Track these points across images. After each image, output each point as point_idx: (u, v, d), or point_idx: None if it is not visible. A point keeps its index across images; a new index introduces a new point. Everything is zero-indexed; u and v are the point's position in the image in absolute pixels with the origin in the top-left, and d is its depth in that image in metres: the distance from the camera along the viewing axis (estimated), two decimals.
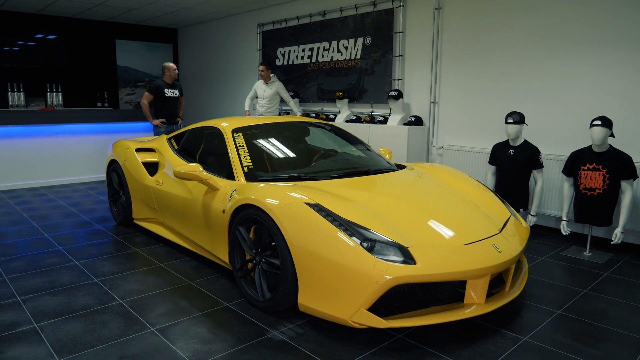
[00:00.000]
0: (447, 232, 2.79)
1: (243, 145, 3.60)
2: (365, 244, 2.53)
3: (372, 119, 6.25)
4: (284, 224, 2.72)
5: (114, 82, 9.86)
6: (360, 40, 6.48)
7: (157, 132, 6.73)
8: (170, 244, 4.29)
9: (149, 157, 4.51)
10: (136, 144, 4.74)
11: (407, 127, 5.66)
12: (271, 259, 2.87)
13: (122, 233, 4.67)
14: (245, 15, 8.46)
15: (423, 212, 2.95)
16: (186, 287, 3.35)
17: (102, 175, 7.59)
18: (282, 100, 7.03)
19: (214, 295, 3.21)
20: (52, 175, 7.17)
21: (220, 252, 3.37)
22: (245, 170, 3.40)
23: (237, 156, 3.51)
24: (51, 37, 9.00)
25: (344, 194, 3.00)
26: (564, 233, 4.35)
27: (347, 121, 6.48)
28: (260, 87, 7.02)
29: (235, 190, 3.18)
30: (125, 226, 4.88)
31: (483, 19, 5.24)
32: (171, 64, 6.61)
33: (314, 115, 7.06)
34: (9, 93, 8.16)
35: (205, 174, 3.37)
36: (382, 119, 6.10)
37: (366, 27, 6.39)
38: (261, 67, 6.87)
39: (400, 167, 4.02)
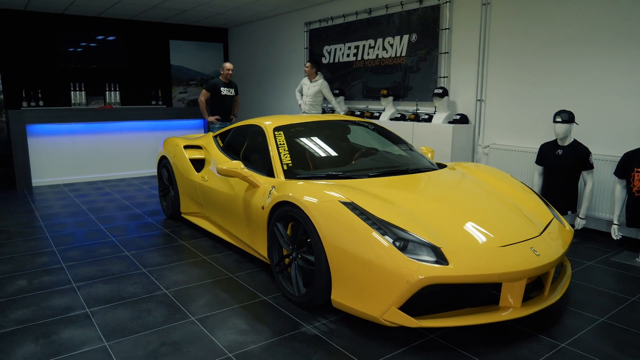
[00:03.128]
0: (483, 234, 2.76)
1: (283, 144, 3.69)
2: (397, 243, 2.55)
3: (416, 117, 6.19)
4: (319, 222, 2.78)
5: (167, 81, 10.26)
6: (405, 37, 6.43)
7: (211, 128, 6.99)
8: (215, 238, 4.46)
9: (196, 154, 4.70)
10: (184, 141, 4.94)
11: (451, 125, 5.57)
12: (307, 255, 2.94)
13: (171, 226, 4.89)
14: (292, 14, 8.58)
15: (460, 213, 2.93)
16: (227, 280, 3.48)
17: (154, 170, 7.93)
18: (326, 99, 7.10)
19: (253, 289, 3.32)
20: (109, 170, 7.58)
21: (260, 247, 3.48)
22: (285, 168, 3.49)
23: (277, 154, 3.60)
24: (110, 38, 9.48)
25: (380, 193, 3.02)
26: (615, 237, 4.17)
27: (391, 119, 6.46)
28: (305, 83, 7.12)
29: (274, 188, 3.27)
30: (173, 220, 5.11)
31: (532, 13, 5.08)
32: (226, 64, 6.84)
33: (358, 113, 7.08)
34: (72, 92, 8.67)
35: (246, 171, 3.49)
36: (426, 117, 6.04)
37: (412, 24, 6.33)
38: (307, 65, 6.97)
39: (441, 166, 3.98)
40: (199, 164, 4.67)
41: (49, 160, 7.06)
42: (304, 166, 3.60)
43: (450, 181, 3.48)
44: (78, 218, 5.20)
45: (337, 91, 7.35)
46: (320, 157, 3.83)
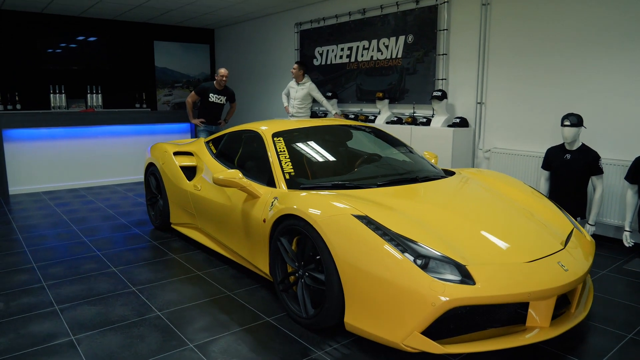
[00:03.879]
0: (508, 249, 2.55)
1: (284, 151, 3.44)
2: (419, 261, 2.33)
3: (414, 121, 6.00)
4: (329, 237, 2.54)
5: (152, 83, 9.92)
6: (401, 38, 6.24)
7: (197, 130, 6.72)
8: (208, 251, 4.19)
9: (187, 161, 4.42)
10: (174, 147, 4.66)
11: (451, 129, 5.39)
12: (315, 273, 2.70)
13: (160, 238, 4.60)
14: (282, 14, 8.33)
15: (480, 226, 2.72)
16: (225, 299, 3.22)
17: (140, 177, 7.61)
18: (316, 101, 6.88)
19: (254, 309, 3.06)
20: (91, 177, 7.23)
21: (260, 263, 3.23)
22: (287, 177, 3.24)
23: (278, 162, 3.35)
24: (92, 39, 9.11)
25: (392, 204, 2.79)
26: (626, 245, 4.02)
27: (387, 122, 6.25)
28: (292, 87, 6.91)
29: (277, 199, 3.02)
30: (162, 230, 4.82)
31: (534, 13, 4.92)
32: (221, 70, 6.54)
33: (352, 116, 6.87)
34: (51, 95, 8.29)
35: (245, 181, 3.23)
36: (424, 120, 5.85)
37: (408, 25, 6.14)
38: (294, 66, 6.74)
39: (449, 173, 3.78)
40: (189, 172, 4.39)
41: (27, 167, 6.69)
42: (307, 175, 3.36)
43: (464, 190, 3.27)
44: (59, 229, 4.87)
45: (330, 94, 7.12)
46: (324, 164, 3.59)
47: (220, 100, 6.62)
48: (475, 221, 2.77)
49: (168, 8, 8.13)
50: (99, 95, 8.75)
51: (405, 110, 6.34)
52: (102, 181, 7.33)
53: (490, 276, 2.32)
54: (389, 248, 2.38)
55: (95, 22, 9.07)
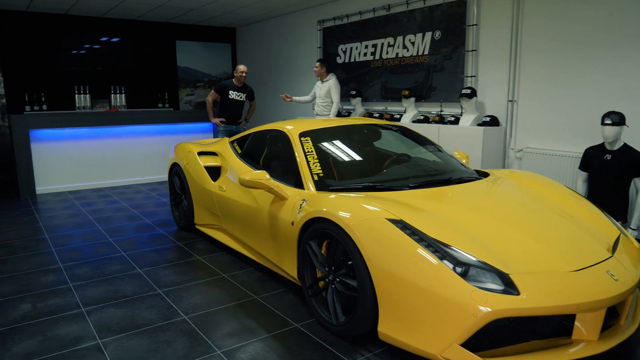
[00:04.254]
0: (552, 256, 2.40)
1: (312, 151, 3.34)
2: (458, 269, 2.20)
3: (441, 119, 5.85)
4: (362, 242, 2.44)
5: (174, 83, 9.93)
6: (428, 34, 6.08)
7: (217, 130, 6.67)
8: (233, 252, 4.12)
9: (211, 161, 4.36)
10: (198, 147, 4.60)
11: (481, 127, 5.22)
12: (347, 279, 2.60)
13: (184, 239, 4.55)
14: (304, 12, 8.24)
15: (521, 231, 2.57)
16: (251, 303, 3.14)
17: (163, 177, 7.61)
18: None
19: (282, 314, 2.98)
20: (115, 176, 7.25)
21: (288, 267, 3.14)
22: (315, 178, 3.14)
23: (306, 163, 3.25)
24: (115, 39, 9.16)
25: (427, 208, 2.67)
26: None
27: (413, 121, 6.11)
28: (317, 86, 6.79)
29: (306, 201, 2.93)
30: (187, 231, 4.77)
31: (570, 7, 4.73)
32: (240, 66, 6.46)
33: (377, 115, 6.74)
34: (76, 95, 8.36)
35: (272, 182, 3.14)
36: (452, 119, 5.69)
37: (435, 20, 5.98)
38: (316, 65, 6.62)
39: (482, 174, 3.63)
40: (214, 172, 4.33)
41: (53, 166, 6.74)
42: (335, 176, 3.26)
43: (502, 193, 3.12)
44: (85, 229, 4.86)
45: (354, 92, 7.00)
46: (352, 165, 3.48)
47: (240, 97, 6.55)
48: (516, 226, 2.63)
49: (189, 7, 8.11)
50: (123, 95, 8.79)
51: (432, 109, 6.18)
52: (125, 181, 7.34)
53: (535, 286, 2.19)
54: (426, 254, 2.26)
55: (118, 23, 9.12)
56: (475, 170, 3.73)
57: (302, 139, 3.47)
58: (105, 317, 2.94)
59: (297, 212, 2.95)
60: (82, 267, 3.82)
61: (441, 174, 3.41)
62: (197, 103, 10.20)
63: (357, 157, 3.59)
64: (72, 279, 3.56)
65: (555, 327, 2.35)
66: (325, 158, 3.36)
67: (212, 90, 6.62)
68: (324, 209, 2.70)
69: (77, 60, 8.85)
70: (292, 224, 2.97)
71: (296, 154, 3.36)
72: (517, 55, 5.22)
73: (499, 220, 2.65)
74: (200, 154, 4.50)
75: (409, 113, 6.27)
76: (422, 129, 5.59)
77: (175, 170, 4.82)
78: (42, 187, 6.68)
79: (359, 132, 3.85)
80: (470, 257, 2.26)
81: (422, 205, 2.70)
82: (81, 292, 3.31)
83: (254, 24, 9.76)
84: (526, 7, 5.09)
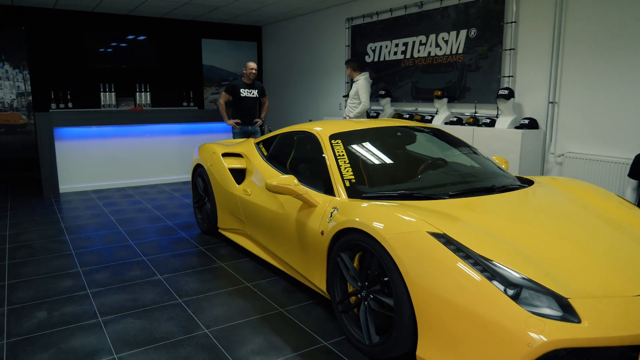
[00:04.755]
0: (612, 277, 2.14)
1: (343, 155, 3.13)
2: (510, 291, 1.96)
3: (475, 121, 5.57)
4: (400, 257, 2.21)
5: (199, 82, 9.84)
6: (463, 32, 5.80)
7: (233, 132, 6.51)
8: (257, 259, 3.93)
9: (236, 163, 4.18)
10: (223, 148, 4.43)
11: (520, 130, 4.93)
12: (382, 297, 2.37)
13: (207, 243, 4.39)
14: (333, 9, 8.03)
15: (577, 248, 2.31)
16: (277, 316, 2.94)
17: (187, 177, 7.50)
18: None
19: (309, 329, 2.77)
20: (139, 176, 7.16)
21: (316, 278, 2.93)
22: (347, 184, 2.93)
23: (337, 167, 3.04)
24: (141, 37, 9.11)
25: (471, 220, 2.43)
26: None
27: (446, 123, 5.84)
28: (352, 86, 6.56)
29: (337, 209, 2.71)
30: (210, 235, 4.61)
31: (618, 1, 4.40)
32: (249, 63, 6.28)
33: (407, 116, 6.48)
34: (101, 93, 8.32)
35: (301, 188, 2.93)
36: (487, 121, 5.40)
37: (471, 17, 5.70)
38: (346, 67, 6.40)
39: (524, 181, 3.36)
40: (238, 174, 4.15)
41: (77, 165, 6.68)
42: (368, 182, 3.04)
43: (552, 203, 2.85)
44: (106, 231, 4.75)
45: (383, 92, 6.76)
46: (386, 170, 3.25)
47: (253, 94, 6.37)
48: (571, 242, 2.36)
49: (216, 5, 7.99)
50: (147, 93, 8.72)
51: (466, 110, 5.90)
52: (149, 180, 7.25)
53: (598, 313, 1.92)
54: (472, 273, 2.02)
55: (143, 21, 9.06)
56: (517, 176, 3.46)
57: (332, 141, 3.26)
58: (122, 328, 2.78)
59: (327, 220, 2.74)
60: (101, 271, 3.68)
61: (481, 181, 3.15)
62: None
63: (391, 162, 3.35)
64: (91, 285, 3.42)
65: (617, 358, 2.08)
66: (357, 162, 3.13)
67: (223, 92, 6.45)
68: (357, 219, 2.48)
69: (103, 58, 8.82)
70: (322, 233, 2.76)
71: (326, 157, 3.14)
72: (560, 54, 4.90)
73: (552, 235, 2.39)
74: (224, 155, 4.33)
75: (441, 114, 6.00)
76: (455, 131, 5.33)
77: (199, 171, 4.67)
78: (66, 185, 6.62)
79: (392, 135, 3.62)
80: (522, 277, 2.01)
81: (465, 217, 2.46)
82: (99, 300, 3.17)
83: (280, 22, 9.59)
84: (570, 3, 4.78)
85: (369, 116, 7.09)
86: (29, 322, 2.86)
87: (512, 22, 5.27)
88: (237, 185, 4.00)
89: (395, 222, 2.33)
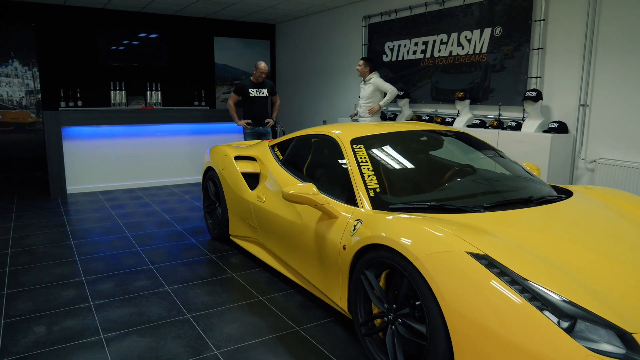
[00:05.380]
0: None
1: (366, 161, 2.88)
2: (564, 323, 1.71)
3: (500, 124, 5.29)
4: (435, 280, 1.97)
5: (211, 81, 9.65)
6: (487, 31, 5.53)
7: (244, 133, 6.31)
8: (271, 269, 3.71)
9: (249, 167, 3.95)
10: (235, 151, 4.21)
11: (549, 134, 4.65)
12: (413, 322, 2.13)
13: (217, 250, 4.17)
14: (349, 7, 7.78)
15: (636, 273, 2.05)
16: (294, 336, 2.71)
17: (197, 178, 7.30)
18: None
19: (329, 352, 2.53)
20: (148, 177, 6.98)
21: (336, 296, 2.69)
22: (371, 194, 2.68)
23: (360, 175, 2.79)
24: (152, 35, 8.93)
25: (513, 237, 2.17)
26: None
27: (468, 126, 5.57)
28: (361, 87, 6.33)
29: (361, 222, 2.47)
30: (220, 242, 4.39)
31: None
32: (261, 63, 6.07)
33: (426, 117, 6.22)
34: (112, 92, 8.15)
35: (321, 198, 2.70)
36: (513, 124, 5.12)
37: (496, 15, 5.42)
38: (359, 63, 6.16)
39: (561, 191, 3.09)
40: (252, 178, 3.93)
41: (85, 165, 6.51)
42: (394, 191, 2.79)
43: (599, 219, 2.57)
44: (113, 236, 4.55)
45: (402, 93, 6.50)
46: (414, 179, 3.00)
47: (262, 94, 6.17)
48: (628, 266, 2.09)
49: (229, 2, 7.78)
50: (159, 92, 8.54)
51: (489, 112, 5.63)
52: (158, 181, 7.06)
53: None
54: (520, 302, 1.77)
55: (155, 18, 8.89)
56: (551, 185, 3.19)
57: (354, 146, 3.02)
58: (126, 348, 2.57)
59: (350, 234, 2.50)
60: (106, 281, 3.48)
61: (516, 191, 2.89)
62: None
63: (418, 169, 3.10)
64: (94, 296, 3.21)
65: None
66: (381, 170, 2.89)
67: (232, 93, 6.26)
68: (384, 234, 2.24)
69: (114, 56, 8.66)
70: (344, 248, 2.52)
71: (348, 164, 2.90)
72: (592, 54, 4.62)
73: (605, 257, 2.12)
74: (237, 158, 4.11)
75: (462, 116, 5.73)
76: (479, 135, 5.05)
77: (210, 175, 4.45)
78: (73, 186, 6.45)
79: (418, 139, 3.36)
80: (578, 306, 1.76)
81: (505, 234, 2.20)
82: (102, 314, 2.96)
83: (294, 19, 9.37)
84: (604, 0, 4.49)
85: (386, 118, 6.84)
86: (26, 339, 2.65)
87: (540, 20, 4.99)
88: (250, 190, 3.78)
89: (429, 240, 2.08)
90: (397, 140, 3.22)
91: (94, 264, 3.81)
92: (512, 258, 1.95)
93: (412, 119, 6.38)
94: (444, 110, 6.20)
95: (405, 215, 2.35)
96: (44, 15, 8.04)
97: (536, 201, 2.70)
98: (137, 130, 6.82)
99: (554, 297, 1.79)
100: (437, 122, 5.96)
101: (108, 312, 2.99)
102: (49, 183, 6.25)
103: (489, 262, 1.92)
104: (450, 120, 5.85)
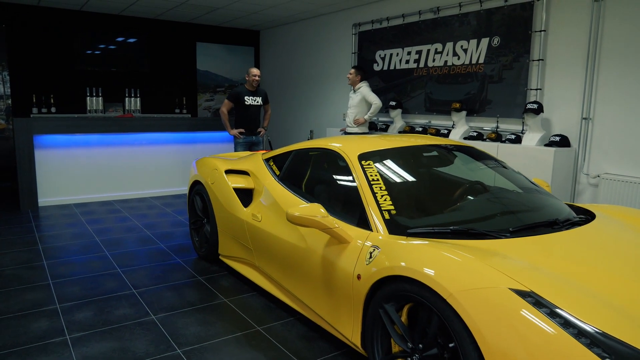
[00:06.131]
0: None
1: (378, 180, 2.63)
2: None
3: (498, 137, 5.12)
4: (475, 322, 1.72)
5: (193, 88, 9.30)
6: (484, 41, 5.38)
7: (235, 142, 6.05)
8: (266, 293, 3.41)
9: (242, 183, 3.66)
10: (226, 164, 3.91)
11: (552, 148, 4.50)
12: None
13: (206, 271, 3.85)
14: (338, 14, 7.57)
15: None
16: None
17: (179, 189, 6.95)
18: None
19: None
20: (127, 188, 6.59)
21: (346, 329, 2.42)
22: (386, 216, 2.43)
23: (372, 195, 2.54)
24: (132, 40, 8.55)
25: (552, 269, 1.94)
26: None
27: (465, 138, 5.39)
28: (350, 96, 6.17)
29: (378, 249, 2.21)
30: (208, 261, 4.08)
31: None
32: (253, 69, 5.89)
33: (420, 129, 6.02)
34: (88, 98, 7.74)
35: (330, 220, 2.42)
36: (512, 137, 4.96)
37: (494, 25, 5.28)
38: (350, 71, 6.06)
39: (580, 210, 2.90)
40: (243, 194, 3.63)
41: (58, 176, 6.10)
42: (410, 213, 2.55)
43: (631, 243, 2.37)
44: (89, 255, 4.19)
45: (394, 103, 6.31)
46: (429, 199, 2.76)
47: (257, 102, 5.99)
48: None
49: (214, 6, 7.48)
50: (138, 99, 8.16)
51: (486, 124, 5.46)
52: (138, 193, 6.68)
53: None
54: (579, 349, 1.53)
55: (135, 22, 8.52)
56: (567, 204, 3.00)
57: (362, 162, 2.77)
58: None
59: (365, 262, 2.24)
60: (83, 309, 3.13)
61: (537, 211, 2.68)
62: (217, 109, 9.56)
63: (433, 188, 2.87)
64: (70, 328, 2.87)
65: None
66: (395, 189, 2.64)
67: (226, 100, 6.02)
68: (409, 265, 1.99)
69: (91, 60, 8.25)
70: (359, 277, 2.26)
71: (358, 183, 2.65)
72: (595, 65, 4.49)
73: None
74: (228, 172, 3.81)
75: (458, 128, 5.55)
76: (478, 148, 4.87)
77: (197, 189, 4.14)
78: (46, 198, 6.03)
79: (428, 155, 3.13)
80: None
81: (545, 265, 1.98)
82: (80, 350, 2.62)
83: (280, 26, 9.12)
84: (608, 10, 4.37)
85: (377, 129, 6.63)
86: None
87: (541, 31, 4.85)
88: (243, 208, 3.48)
89: (465, 274, 1.83)
90: (407, 156, 2.99)
91: (69, 289, 3.45)
92: (560, 295, 1.72)
93: (404, 130, 6.18)
94: (438, 121, 6.03)
95: (429, 242, 2.10)
96: (15, 16, 7.59)
97: (563, 223, 2.49)
98: (115, 139, 6.44)
99: (616, 342, 1.56)
100: (432, 134, 5.77)
101: (87, 347, 2.65)
102: (18, 195, 5.82)
103: (535, 300, 1.68)
104: (446, 132, 5.67)
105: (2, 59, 7.59)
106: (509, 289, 1.72)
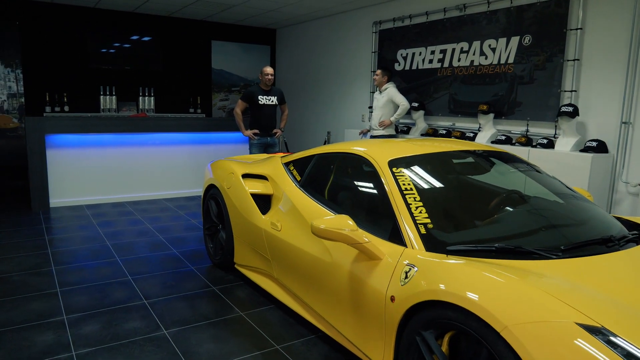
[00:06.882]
0: None
1: (411, 189, 2.40)
2: None
3: (528, 141, 4.85)
4: (534, 358, 1.48)
5: (207, 87, 9.14)
6: (515, 39, 5.10)
7: (250, 144, 5.86)
8: (284, 306, 3.20)
9: (260, 188, 3.44)
10: (242, 168, 3.70)
11: (589, 154, 4.22)
12: None
13: (220, 281, 3.65)
14: (357, 12, 7.34)
15: None
16: None
17: (192, 191, 6.77)
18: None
19: None
20: (139, 190, 6.43)
21: (376, 354, 2.19)
22: (422, 231, 2.19)
23: (406, 206, 2.30)
24: (146, 38, 8.41)
25: (621, 298, 1.70)
26: None
27: (493, 142, 5.13)
28: (376, 97, 5.95)
29: (415, 268, 1.98)
30: (223, 269, 3.88)
31: None
32: (266, 68, 5.71)
33: (444, 131, 5.77)
34: (101, 97, 7.61)
35: (360, 235, 2.19)
36: (544, 141, 4.69)
37: (525, 22, 5.00)
38: (377, 72, 5.84)
39: (630, 224, 2.64)
40: (261, 199, 3.42)
41: (70, 176, 5.95)
42: (448, 228, 2.31)
43: None
44: (100, 261, 4.01)
45: (417, 104, 6.06)
46: (467, 211, 2.52)
47: (272, 101, 5.79)
48: None
49: (229, 4, 7.30)
50: (152, 98, 8.02)
51: (514, 128, 5.19)
52: (150, 195, 6.51)
53: None
54: None
55: (149, 19, 8.37)
56: (614, 216, 2.74)
57: (393, 170, 2.53)
58: None
59: (400, 282, 2.01)
60: (91, 321, 2.94)
61: (586, 226, 2.43)
62: (231, 109, 9.38)
63: (471, 199, 2.63)
64: (77, 343, 2.68)
65: None
66: (430, 200, 2.40)
67: (239, 100, 5.84)
68: (443, 286, 1.76)
69: (104, 59, 8.12)
70: (392, 299, 2.03)
71: (389, 192, 2.41)
72: (637, 67, 4.20)
73: None
74: (245, 176, 3.60)
75: (485, 131, 5.29)
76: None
77: (212, 193, 3.94)
78: (57, 199, 5.89)
79: (465, 162, 2.89)
80: None
81: (608, 291, 1.73)
82: None
83: (296, 25, 8.91)
84: None
85: (398, 130, 6.39)
86: None
87: (577, 29, 4.57)
88: (262, 215, 3.27)
89: (522, 304, 1.59)
90: (441, 163, 2.75)
91: (77, 298, 3.27)
92: (634, 331, 1.48)
93: (427, 133, 5.93)
94: (462, 123, 5.77)
95: (475, 263, 1.87)
96: (30, 13, 7.48)
97: (618, 241, 2.23)
98: (128, 138, 6.28)
99: None
100: (456, 137, 5.52)
101: None
102: (30, 195, 5.69)
103: (608, 339, 1.44)
104: (471, 135, 5.41)
105: (15, 57, 7.49)
106: (576, 323, 1.48)
